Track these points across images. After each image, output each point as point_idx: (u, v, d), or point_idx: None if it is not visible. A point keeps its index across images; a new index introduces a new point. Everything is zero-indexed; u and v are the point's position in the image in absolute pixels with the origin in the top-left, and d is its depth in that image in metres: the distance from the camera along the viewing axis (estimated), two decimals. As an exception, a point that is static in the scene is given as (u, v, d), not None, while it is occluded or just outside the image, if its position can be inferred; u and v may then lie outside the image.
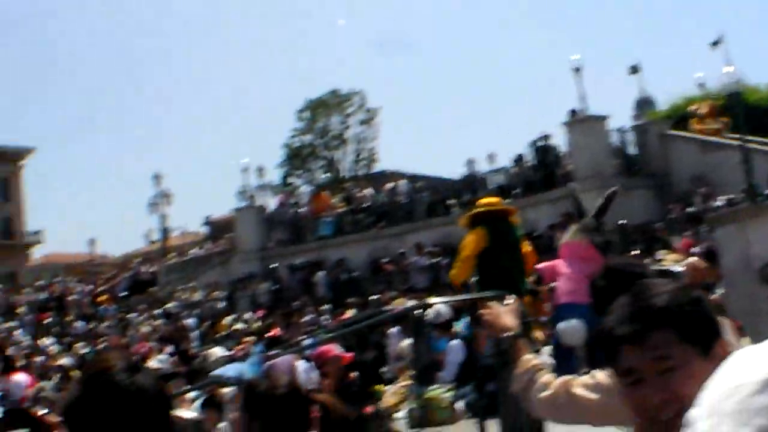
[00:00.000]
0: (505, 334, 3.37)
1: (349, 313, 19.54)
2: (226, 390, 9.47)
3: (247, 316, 24.25)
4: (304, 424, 3.60)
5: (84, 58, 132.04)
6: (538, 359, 3.32)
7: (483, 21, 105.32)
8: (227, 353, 14.70)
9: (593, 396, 3.15)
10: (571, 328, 8.87)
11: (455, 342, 12.18)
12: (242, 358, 12.53)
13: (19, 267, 70.78)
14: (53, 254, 79.71)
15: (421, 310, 10.29)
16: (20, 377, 15.09)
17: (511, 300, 3.63)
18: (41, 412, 9.47)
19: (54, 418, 8.90)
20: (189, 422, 8.28)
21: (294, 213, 30.52)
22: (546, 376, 3.25)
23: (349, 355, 9.90)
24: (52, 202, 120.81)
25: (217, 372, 9.45)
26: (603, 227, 10.61)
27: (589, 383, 3.19)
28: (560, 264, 9.95)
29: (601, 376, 3.15)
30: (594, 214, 10.28)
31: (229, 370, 8.73)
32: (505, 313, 3.44)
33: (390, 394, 10.83)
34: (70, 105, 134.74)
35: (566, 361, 8.92)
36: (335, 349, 10.33)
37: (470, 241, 9.66)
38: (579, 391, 3.17)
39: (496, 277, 8.95)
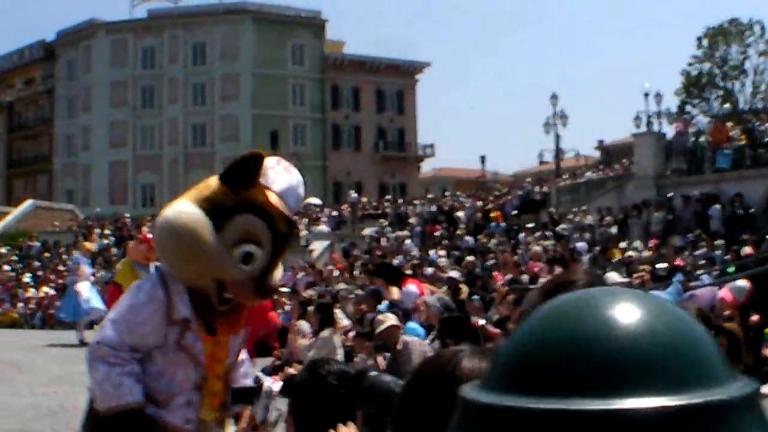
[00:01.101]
0: None
1: (747, 250, 20.10)
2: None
3: (637, 243, 25.11)
4: None
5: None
6: None
7: None
8: (623, 279, 15.18)
9: None
10: None
11: None
12: (639, 287, 13.44)
13: (410, 179, 75.57)
14: (443, 168, 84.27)
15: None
16: (411, 287, 15.15)
17: None
18: (481, 321, 10.22)
19: (494, 329, 9.77)
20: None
21: (693, 142, 30.81)
22: None
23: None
24: (445, 117, 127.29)
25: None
26: None
27: None
28: None
29: None
30: None
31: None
32: None
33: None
34: (468, 21, 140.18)
35: None
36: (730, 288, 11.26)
37: None
38: None
39: None
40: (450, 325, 10.06)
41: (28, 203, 51.60)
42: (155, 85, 72.43)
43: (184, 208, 3.90)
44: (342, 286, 20.34)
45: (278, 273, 4.13)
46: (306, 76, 73.36)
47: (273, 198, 3.92)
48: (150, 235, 18.09)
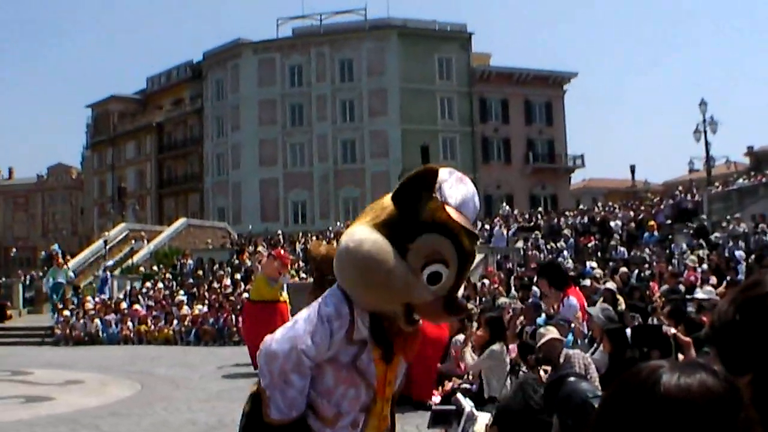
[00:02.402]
0: None
1: None
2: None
3: (793, 251, 25.04)
4: None
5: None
6: None
7: None
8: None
9: None
10: None
11: None
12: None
13: (560, 190, 76.07)
14: (593, 179, 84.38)
15: None
16: (572, 300, 14.48)
17: None
18: (672, 330, 10.05)
19: (686, 338, 9.70)
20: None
21: None
22: None
23: None
24: (593, 127, 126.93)
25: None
26: None
27: None
28: None
29: None
30: None
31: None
32: None
33: None
34: (613, 30, 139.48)
35: None
36: None
37: None
38: None
39: None
40: (641, 334, 10.11)
41: (181, 221, 53.86)
42: (303, 102, 74.42)
43: (365, 236, 3.85)
44: (504, 300, 20.20)
45: (461, 289, 3.99)
46: (454, 90, 74.56)
47: (453, 213, 3.86)
48: (282, 251, 18.98)
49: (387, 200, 3.98)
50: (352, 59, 74.12)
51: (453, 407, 10.67)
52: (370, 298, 3.85)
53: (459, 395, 10.90)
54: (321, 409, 3.90)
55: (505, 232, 39.58)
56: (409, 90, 72.41)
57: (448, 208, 3.87)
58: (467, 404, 10.24)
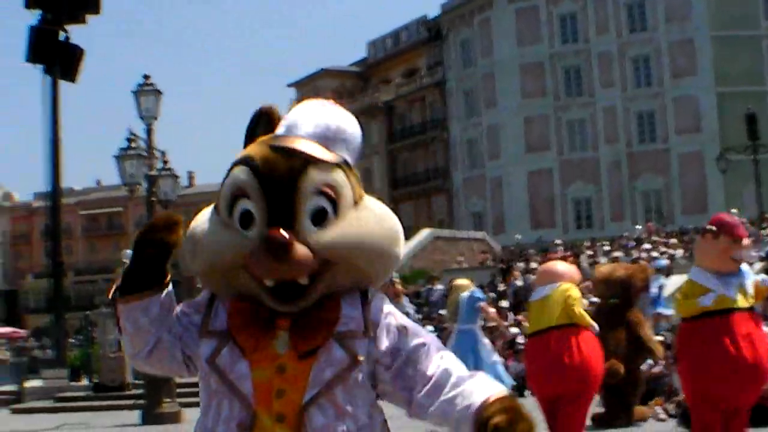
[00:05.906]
0: None
1: None
2: None
3: None
4: None
5: None
6: None
7: None
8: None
9: None
10: None
11: None
12: None
13: None
14: None
15: None
16: None
17: None
18: None
19: None
20: None
21: None
22: None
23: None
24: None
25: None
26: None
27: None
28: None
29: None
30: None
31: None
32: None
33: None
34: None
35: None
36: None
37: None
38: None
39: None
40: None
41: (424, 233, 54.07)
42: (581, 64, 74.85)
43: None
44: None
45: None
46: (790, 33, 72.34)
47: (260, 140, 3.82)
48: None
49: None
50: (643, 1, 73.68)
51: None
52: (204, 274, 3.81)
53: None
54: None
55: None
56: (725, 38, 71.03)
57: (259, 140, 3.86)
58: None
